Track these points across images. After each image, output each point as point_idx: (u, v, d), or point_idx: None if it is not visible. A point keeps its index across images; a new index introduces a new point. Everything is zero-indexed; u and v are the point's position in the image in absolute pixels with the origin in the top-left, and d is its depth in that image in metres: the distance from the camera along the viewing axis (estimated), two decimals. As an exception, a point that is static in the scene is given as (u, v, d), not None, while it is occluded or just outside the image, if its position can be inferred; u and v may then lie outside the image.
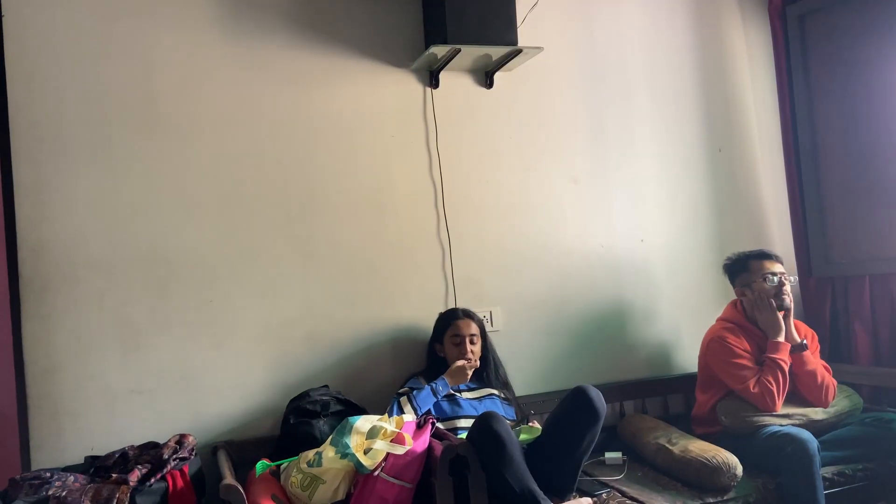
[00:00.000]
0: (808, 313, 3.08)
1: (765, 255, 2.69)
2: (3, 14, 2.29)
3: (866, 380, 2.77)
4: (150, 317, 2.40)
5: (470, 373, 2.46)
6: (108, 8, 2.40)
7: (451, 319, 2.54)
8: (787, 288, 2.63)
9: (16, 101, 2.29)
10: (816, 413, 2.54)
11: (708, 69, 3.22)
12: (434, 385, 2.40)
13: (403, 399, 2.36)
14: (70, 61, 2.35)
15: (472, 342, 2.50)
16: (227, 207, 2.50)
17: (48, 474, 2.02)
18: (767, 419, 2.47)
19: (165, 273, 2.42)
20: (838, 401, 2.60)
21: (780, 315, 2.60)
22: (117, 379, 2.35)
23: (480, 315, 2.62)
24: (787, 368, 2.52)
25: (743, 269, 2.71)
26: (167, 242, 2.42)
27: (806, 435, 2.33)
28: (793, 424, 2.46)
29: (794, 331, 2.62)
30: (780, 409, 2.49)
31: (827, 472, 2.38)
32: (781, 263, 2.70)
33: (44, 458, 2.24)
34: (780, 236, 3.24)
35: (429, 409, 2.36)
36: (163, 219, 2.43)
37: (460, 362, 2.44)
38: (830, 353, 2.95)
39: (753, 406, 2.50)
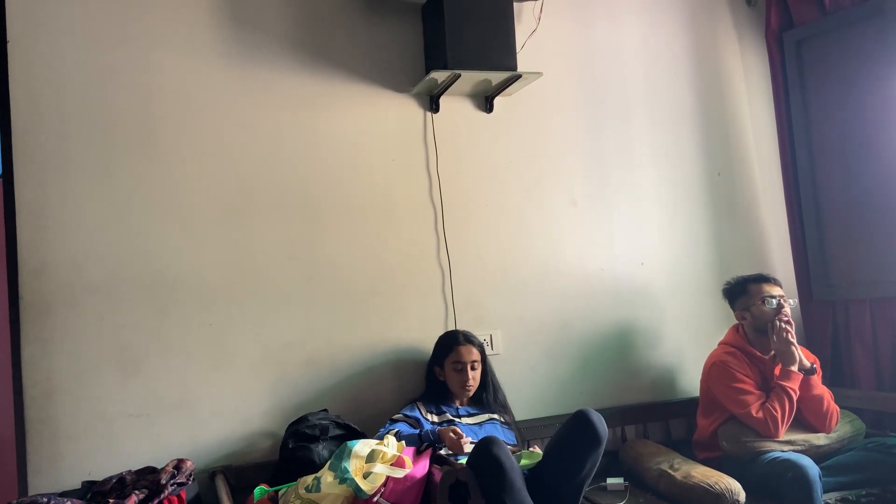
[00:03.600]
0: (809, 337, 3.07)
1: (763, 279, 2.70)
2: (7, 39, 2.31)
3: (868, 404, 2.76)
4: (149, 340, 2.39)
5: (464, 448, 2.27)
6: (112, 33, 2.43)
7: (452, 345, 2.52)
8: (787, 310, 2.63)
9: (20, 125, 2.31)
10: (819, 438, 2.52)
11: (706, 94, 3.25)
12: (424, 434, 2.31)
13: (392, 432, 2.31)
14: (73, 85, 2.37)
15: (472, 368, 2.49)
16: (227, 231, 2.51)
17: (45, 500, 2.00)
18: (768, 445, 2.46)
19: (165, 296, 2.42)
20: (841, 426, 2.58)
21: (791, 335, 2.57)
22: (116, 403, 2.33)
23: (481, 338, 2.62)
24: (795, 398, 2.50)
25: (742, 292, 2.71)
26: (167, 266, 2.43)
27: (806, 461, 2.31)
28: (794, 450, 2.44)
29: (801, 353, 2.60)
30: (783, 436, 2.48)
31: (830, 497, 2.36)
32: (780, 286, 2.70)
33: (41, 483, 2.22)
34: (780, 260, 3.25)
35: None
36: (163, 242, 2.43)
37: (454, 435, 2.26)
38: (832, 378, 2.94)
39: (755, 431, 2.49)
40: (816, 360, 2.70)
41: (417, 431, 2.33)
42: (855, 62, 2.89)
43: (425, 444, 2.28)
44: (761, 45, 3.30)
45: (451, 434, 2.29)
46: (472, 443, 2.24)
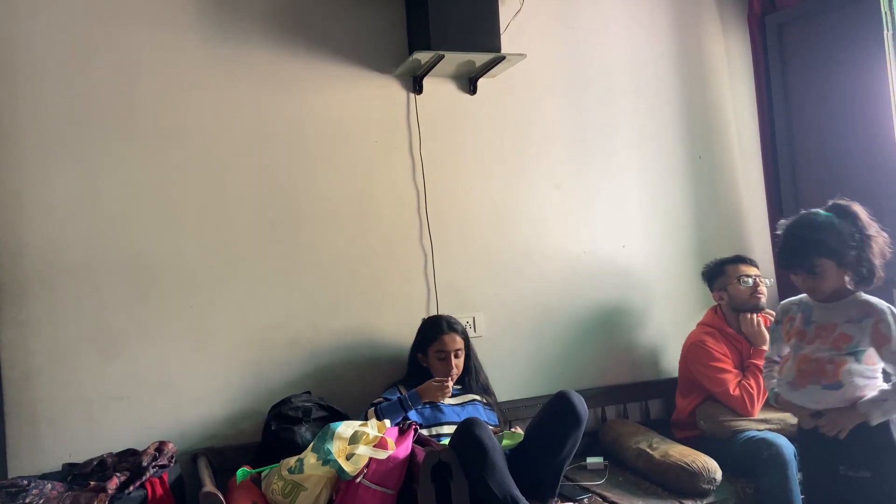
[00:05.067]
0: (787, 319, 3.11)
1: (740, 260, 2.77)
2: (-19, 16, 2.26)
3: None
4: (129, 322, 2.38)
5: (447, 393, 2.38)
6: (89, 13, 2.38)
7: (436, 333, 2.51)
8: (762, 289, 2.69)
9: (-6, 105, 2.26)
10: (794, 417, 2.57)
11: (688, 77, 3.25)
12: (404, 399, 2.36)
13: (371, 411, 2.34)
14: (50, 66, 2.33)
15: (456, 356, 2.50)
16: (208, 212, 2.49)
17: (25, 482, 2.00)
18: (745, 424, 2.50)
19: (146, 278, 2.40)
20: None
21: (760, 321, 2.64)
22: (96, 385, 2.32)
23: (463, 321, 2.63)
24: None
25: (719, 273, 2.77)
26: (148, 248, 2.41)
27: (782, 440, 2.36)
28: (770, 429, 2.49)
29: None
30: (758, 415, 2.52)
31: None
32: (756, 267, 2.77)
33: (21, 465, 2.21)
34: (758, 242, 3.28)
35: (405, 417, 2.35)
36: (143, 224, 2.41)
37: (437, 382, 2.37)
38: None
39: (732, 410, 2.53)
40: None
41: (397, 397, 2.37)
42: (837, 45, 2.91)
43: (407, 412, 2.33)
44: (744, 28, 3.31)
45: (434, 383, 2.34)
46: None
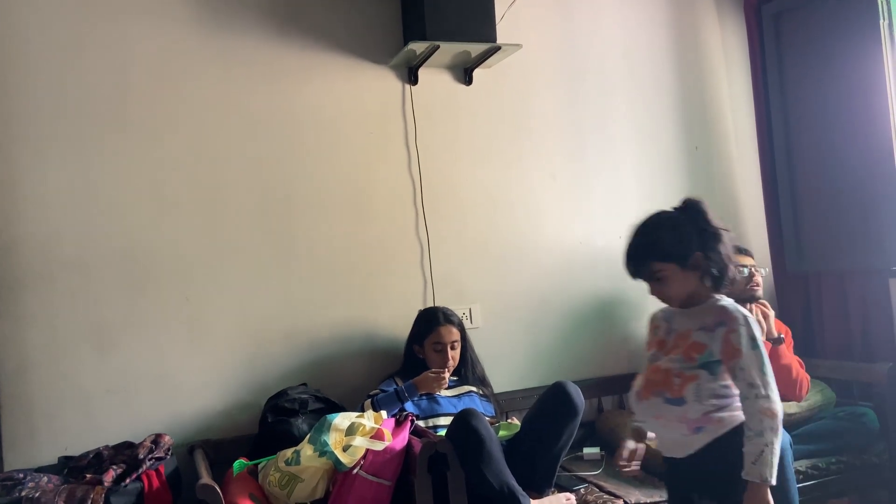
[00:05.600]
0: (782, 309, 3.12)
1: (735, 250, 2.75)
2: (-28, 7, 2.24)
3: (839, 374, 2.82)
4: (125, 315, 2.37)
5: (444, 384, 2.38)
6: (83, 5, 2.36)
7: (432, 325, 2.50)
8: (758, 279, 2.70)
9: (-14, 97, 2.25)
10: (790, 407, 2.58)
11: (684, 67, 3.24)
12: (400, 391, 2.36)
13: (367, 403, 2.34)
14: (45, 58, 2.31)
15: (452, 348, 2.50)
16: (203, 205, 2.48)
17: (21, 475, 1.99)
18: (741, 413, 2.50)
19: (141, 271, 2.39)
20: (811, 395, 2.64)
21: (759, 312, 2.64)
22: (92, 378, 2.32)
23: (459, 313, 2.62)
24: None
25: (716, 264, 2.76)
26: (143, 240, 2.40)
27: (778, 429, 2.37)
28: (767, 419, 2.49)
29: (772, 324, 2.66)
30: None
31: (800, 465, 2.42)
32: (752, 257, 2.77)
33: (16, 458, 2.21)
34: (754, 233, 3.28)
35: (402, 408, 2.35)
36: (139, 216, 2.40)
37: (433, 373, 2.37)
38: (803, 348, 2.99)
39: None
40: (788, 330, 2.76)
41: (393, 388, 2.36)
42: (833, 35, 2.90)
43: (403, 403, 2.33)
44: (740, 17, 3.30)
45: (430, 374, 2.34)
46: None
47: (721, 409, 1.70)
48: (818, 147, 2.99)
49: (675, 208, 1.83)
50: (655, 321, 1.95)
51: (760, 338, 1.69)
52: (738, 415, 1.70)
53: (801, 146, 3.06)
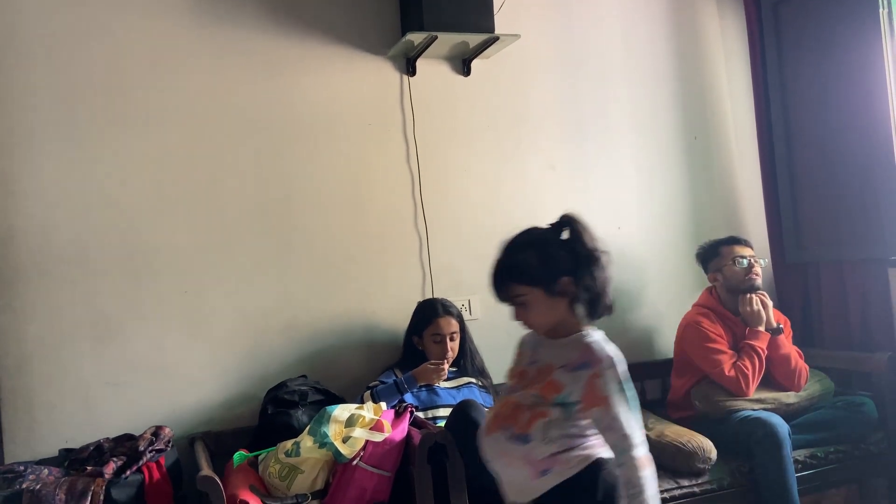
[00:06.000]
0: (781, 299, 3.12)
1: (734, 241, 2.77)
2: (-33, -1, 2.23)
3: (838, 364, 2.82)
4: (124, 308, 2.37)
5: (443, 376, 2.40)
6: (77, -7, 2.35)
7: (431, 316, 2.50)
8: (757, 269, 2.69)
9: (-18, 89, 2.24)
10: (789, 397, 2.58)
11: (684, 57, 3.23)
12: (400, 382, 2.37)
13: (366, 394, 2.35)
14: (40, 49, 2.31)
15: (451, 339, 2.50)
16: (202, 196, 2.48)
17: (21, 468, 2.00)
18: (739, 403, 2.51)
19: (140, 264, 2.39)
20: (810, 385, 2.64)
21: (759, 301, 2.64)
22: (91, 371, 2.32)
23: (458, 304, 2.62)
24: (763, 357, 2.56)
25: (714, 255, 2.77)
26: (141, 233, 2.39)
27: (776, 419, 2.38)
28: (765, 408, 2.50)
29: (771, 314, 2.66)
30: (753, 395, 2.53)
31: (799, 454, 2.43)
32: (751, 248, 2.77)
33: (17, 451, 2.21)
34: (754, 223, 3.28)
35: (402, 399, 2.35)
36: (136, 208, 2.39)
37: (432, 365, 2.38)
38: (802, 338, 2.99)
39: (726, 391, 2.54)
40: (787, 320, 2.76)
41: (393, 380, 2.37)
42: (832, 24, 2.89)
43: (403, 394, 2.33)
44: (739, 7, 3.28)
45: (429, 366, 2.35)
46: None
47: (570, 449, 1.51)
48: (817, 137, 2.98)
49: (550, 225, 1.62)
50: (522, 347, 1.74)
51: (626, 376, 1.52)
52: (591, 453, 1.52)
53: (801, 136, 3.05)
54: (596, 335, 1.59)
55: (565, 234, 1.58)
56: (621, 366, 1.53)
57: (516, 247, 1.62)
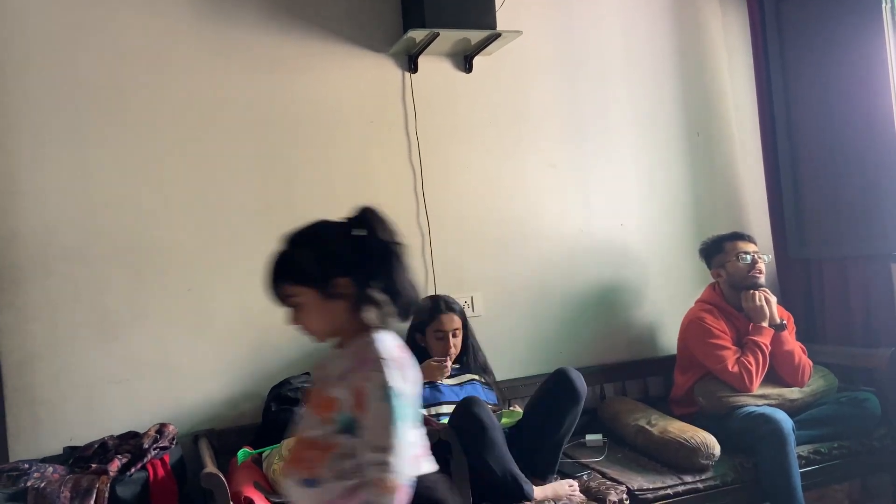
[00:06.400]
0: (785, 295, 3.12)
1: (738, 236, 2.76)
2: (-31, -2, 2.23)
3: (841, 359, 2.82)
4: (127, 306, 2.37)
5: (446, 372, 2.40)
6: (79, -8, 2.35)
7: (434, 313, 2.50)
8: (761, 265, 2.69)
9: (-15, 88, 2.24)
10: (792, 393, 2.58)
11: (686, 53, 3.22)
12: None
13: None
14: (41, 49, 2.31)
15: (454, 336, 2.50)
16: (203, 194, 2.48)
17: (26, 465, 2.00)
18: (743, 399, 2.51)
19: (143, 261, 2.39)
20: (814, 380, 2.64)
21: (762, 298, 2.64)
22: (95, 369, 2.32)
23: (461, 301, 2.63)
24: (767, 353, 2.56)
25: (718, 250, 2.76)
26: (144, 231, 2.40)
27: (780, 415, 2.37)
28: (769, 404, 2.50)
29: (775, 311, 2.66)
30: (756, 390, 2.53)
31: (803, 450, 2.43)
32: (754, 243, 2.76)
33: (22, 449, 2.22)
34: (757, 219, 3.27)
35: None
36: (139, 207, 2.40)
37: (435, 362, 2.39)
38: (806, 334, 2.99)
39: (730, 387, 2.54)
40: (790, 316, 2.76)
41: None
42: (835, 20, 2.88)
43: None
44: (741, 3, 3.27)
45: (432, 363, 2.35)
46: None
47: (373, 480, 1.27)
48: (820, 133, 2.97)
49: (344, 218, 1.43)
50: (316, 366, 1.53)
51: (400, 386, 1.29)
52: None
53: (804, 132, 3.04)
54: (380, 337, 1.37)
55: (360, 230, 1.38)
56: (395, 370, 1.30)
57: (295, 242, 1.43)
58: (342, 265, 1.36)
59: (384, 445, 1.26)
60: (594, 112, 3.04)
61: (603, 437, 2.64)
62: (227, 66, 2.52)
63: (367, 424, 1.28)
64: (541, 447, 2.25)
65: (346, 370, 1.34)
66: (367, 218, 1.40)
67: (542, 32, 2.96)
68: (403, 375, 1.32)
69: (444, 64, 2.82)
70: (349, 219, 1.41)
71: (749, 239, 2.76)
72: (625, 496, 2.21)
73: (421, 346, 2.53)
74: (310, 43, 2.63)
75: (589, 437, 2.63)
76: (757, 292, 2.65)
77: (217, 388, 2.47)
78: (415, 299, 1.41)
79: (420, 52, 2.71)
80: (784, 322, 2.65)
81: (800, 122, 3.05)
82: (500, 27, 2.63)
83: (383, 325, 1.38)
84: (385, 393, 1.28)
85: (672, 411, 2.73)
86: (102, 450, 2.12)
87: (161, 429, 2.19)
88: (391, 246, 1.39)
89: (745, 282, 2.68)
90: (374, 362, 1.31)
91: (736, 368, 2.53)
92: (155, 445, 2.10)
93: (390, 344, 1.37)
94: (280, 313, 2.54)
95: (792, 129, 3.08)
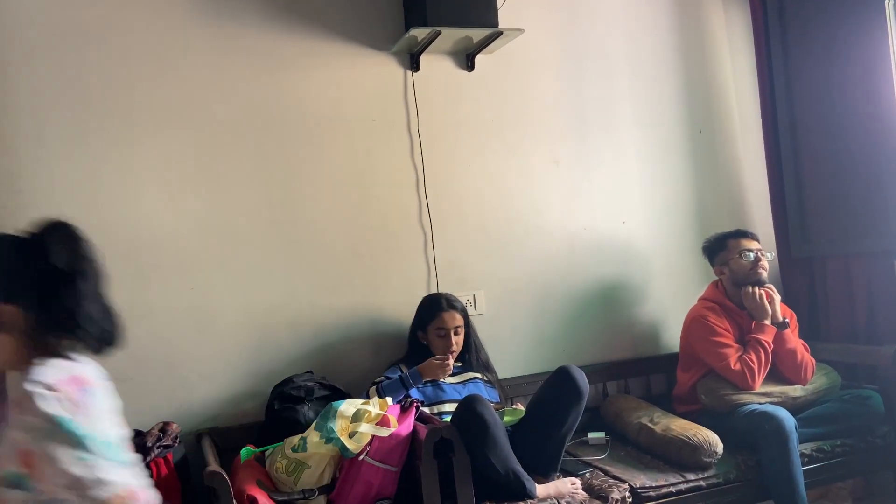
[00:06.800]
0: (787, 292, 3.11)
1: (741, 234, 2.76)
2: (-28, -2, 2.24)
3: (844, 357, 2.81)
4: (130, 305, 2.34)
5: (448, 370, 2.39)
6: (81, -9, 2.36)
7: (436, 311, 2.50)
8: (764, 263, 2.69)
9: (-12, 88, 2.25)
10: (795, 390, 2.58)
11: (688, 50, 3.22)
12: (405, 377, 2.37)
13: (372, 390, 2.35)
14: (45, 46, 2.31)
15: (456, 334, 2.50)
16: (206, 193, 2.48)
17: (30, 464, 2.00)
18: (746, 397, 2.51)
19: (145, 260, 2.39)
20: (817, 378, 2.64)
21: (763, 294, 2.63)
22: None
23: (463, 299, 2.63)
24: (769, 350, 2.56)
25: (721, 248, 2.76)
26: (146, 230, 2.40)
27: (783, 413, 2.37)
28: (771, 402, 2.49)
29: (778, 309, 2.66)
30: (759, 388, 2.53)
31: (806, 448, 2.43)
32: (758, 241, 2.77)
33: (26, 448, 2.22)
34: (759, 217, 3.27)
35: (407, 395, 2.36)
36: (140, 206, 2.40)
37: (437, 360, 2.38)
38: (809, 332, 2.99)
39: (733, 384, 2.54)
40: (793, 314, 2.75)
41: (398, 375, 2.37)
42: (837, 16, 2.87)
43: (408, 390, 2.34)
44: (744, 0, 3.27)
45: (434, 361, 2.35)
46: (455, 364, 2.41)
47: None
48: (823, 130, 2.97)
49: (25, 233, 1.26)
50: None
51: (68, 411, 1.15)
52: None
53: (806, 129, 3.04)
54: (38, 370, 1.17)
55: (29, 248, 1.22)
56: (54, 401, 1.14)
57: None
58: (7, 290, 1.18)
59: (87, 469, 1.14)
60: (596, 110, 3.04)
61: (605, 434, 2.64)
62: (229, 64, 2.52)
63: (48, 472, 1.12)
64: (543, 445, 2.25)
65: (16, 408, 1.16)
66: (47, 236, 1.22)
67: (544, 31, 2.96)
68: (69, 397, 1.16)
69: (446, 62, 2.82)
70: (26, 235, 1.22)
71: (752, 236, 2.76)
72: (627, 494, 2.21)
73: (423, 344, 2.53)
74: (312, 41, 2.63)
75: (591, 434, 2.64)
76: (756, 289, 2.65)
77: (220, 387, 2.47)
78: (111, 328, 1.24)
79: (422, 51, 2.71)
80: (787, 320, 2.65)
81: (802, 120, 3.04)
82: (501, 25, 2.63)
83: (78, 354, 1.21)
84: (55, 424, 1.13)
85: (675, 409, 2.73)
86: (106, 448, 2.13)
87: (164, 427, 2.19)
88: (75, 269, 1.21)
89: (749, 279, 2.68)
90: (21, 403, 1.14)
91: (738, 366, 2.52)
92: (158, 444, 2.11)
93: (51, 373, 1.17)
94: (281, 312, 2.56)
95: (795, 127, 3.07)
